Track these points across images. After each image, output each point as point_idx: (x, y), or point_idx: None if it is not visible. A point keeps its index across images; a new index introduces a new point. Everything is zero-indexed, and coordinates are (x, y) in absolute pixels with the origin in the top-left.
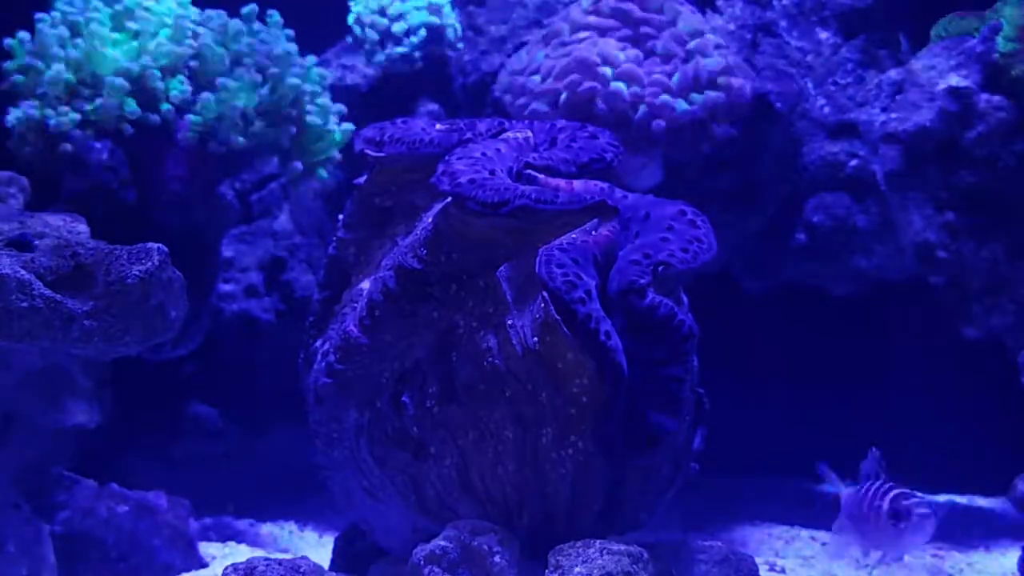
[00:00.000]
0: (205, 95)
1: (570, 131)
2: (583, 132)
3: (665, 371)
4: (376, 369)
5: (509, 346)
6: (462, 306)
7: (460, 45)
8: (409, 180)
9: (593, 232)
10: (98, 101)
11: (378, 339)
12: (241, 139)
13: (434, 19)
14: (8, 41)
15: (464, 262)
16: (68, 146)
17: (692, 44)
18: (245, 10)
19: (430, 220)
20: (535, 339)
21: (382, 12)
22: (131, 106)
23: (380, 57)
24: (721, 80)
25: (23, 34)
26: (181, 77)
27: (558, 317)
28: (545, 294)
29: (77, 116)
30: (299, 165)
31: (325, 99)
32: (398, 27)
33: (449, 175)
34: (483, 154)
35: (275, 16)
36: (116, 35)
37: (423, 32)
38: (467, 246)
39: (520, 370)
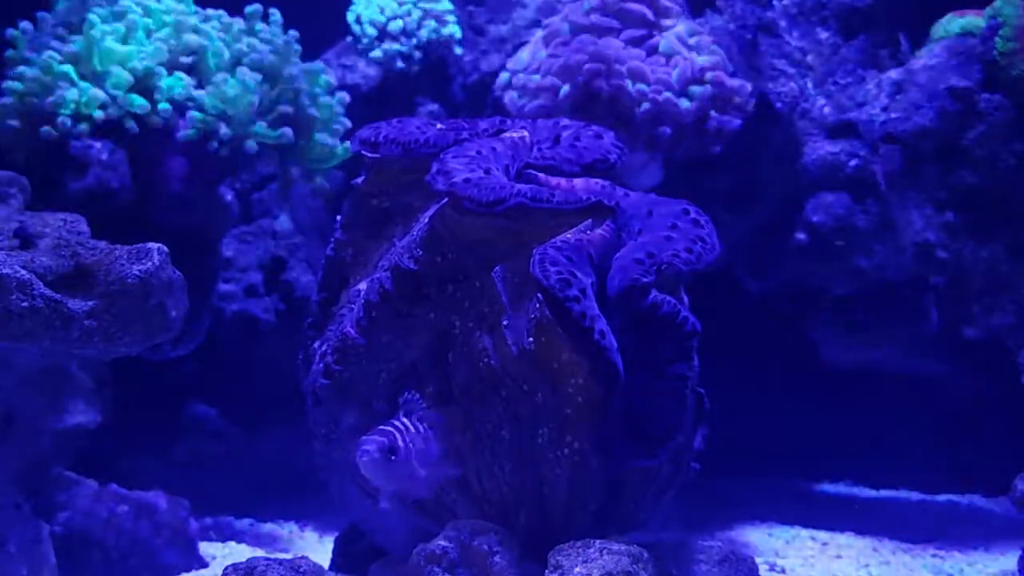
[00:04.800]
0: (208, 88)
1: (574, 129)
2: (587, 131)
3: (668, 370)
4: (373, 370)
5: (505, 346)
6: (458, 307)
7: (459, 49)
8: (406, 181)
9: (588, 231)
10: (95, 91)
11: (375, 340)
12: (247, 140)
13: (434, 23)
14: (10, 32)
15: (460, 262)
16: (49, 129)
17: (692, 41)
18: (249, 9)
19: (426, 220)
20: (530, 339)
21: (381, 11)
22: (140, 100)
23: (377, 53)
24: (710, 75)
25: (26, 24)
26: (180, 74)
27: (552, 316)
28: (540, 294)
29: (76, 92)
30: (295, 171)
31: (329, 99)
32: (394, 25)
33: (444, 174)
34: (478, 152)
35: (276, 15)
36: (116, 32)
37: (426, 32)
38: (463, 246)
39: (516, 370)
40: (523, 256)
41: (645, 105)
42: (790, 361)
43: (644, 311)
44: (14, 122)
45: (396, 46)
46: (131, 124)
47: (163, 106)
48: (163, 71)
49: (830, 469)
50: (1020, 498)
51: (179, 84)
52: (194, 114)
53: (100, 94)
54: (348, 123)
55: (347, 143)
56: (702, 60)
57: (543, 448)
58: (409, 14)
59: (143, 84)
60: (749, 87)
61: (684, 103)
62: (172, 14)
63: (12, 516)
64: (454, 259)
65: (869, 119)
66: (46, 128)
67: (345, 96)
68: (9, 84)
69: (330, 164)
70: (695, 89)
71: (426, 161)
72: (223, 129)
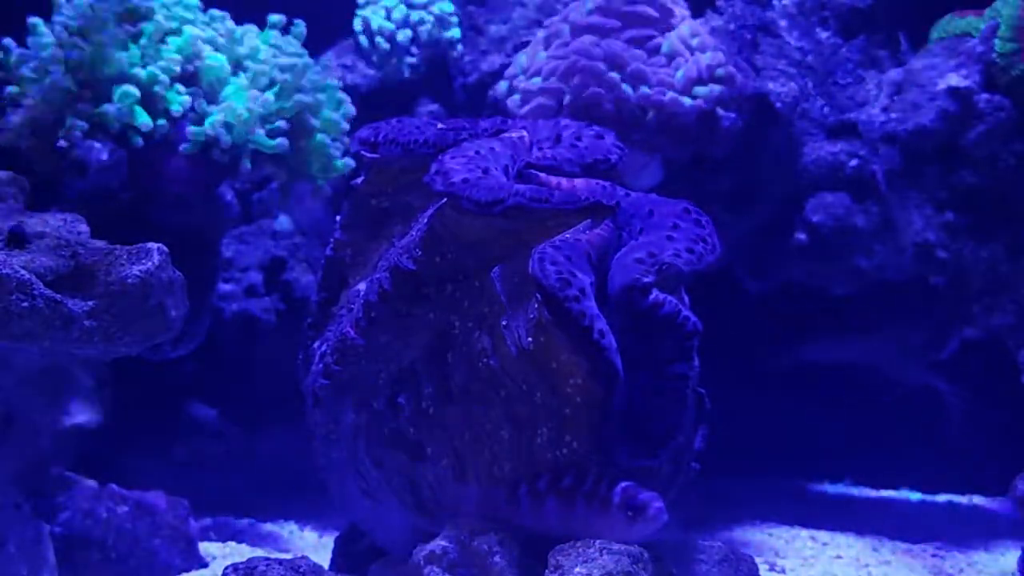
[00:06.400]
0: (209, 109)
1: (575, 128)
2: (589, 131)
3: (668, 370)
4: (372, 370)
5: (504, 347)
6: (458, 307)
7: (459, 47)
8: (406, 181)
9: (587, 231)
10: (107, 107)
11: (374, 340)
12: (244, 158)
13: (437, 25)
14: (6, 40)
15: (459, 263)
16: (75, 152)
17: (694, 42)
18: (272, 18)
19: (425, 221)
20: (529, 339)
21: (388, 17)
22: (143, 118)
23: (389, 69)
24: (720, 72)
25: (11, 42)
26: (178, 86)
27: (551, 316)
28: (539, 294)
29: (85, 125)
30: (287, 177)
31: (335, 116)
32: (403, 35)
33: (442, 174)
34: (477, 153)
35: (300, 27)
36: (120, 38)
37: (428, 30)
38: (462, 246)
39: (515, 371)
40: (522, 256)
41: (651, 113)
42: (790, 362)
43: (645, 311)
44: (27, 142)
45: (410, 60)
46: (137, 140)
47: (161, 121)
48: (166, 79)
49: (830, 469)
50: (1020, 498)
51: (177, 99)
52: (193, 128)
53: (111, 108)
54: (347, 126)
55: (347, 159)
56: (707, 59)
57: (542, 448)
58: (422, 22)
59: (145, 90)
60: (752, 83)
61: (687, 101)
62: (177, 21)
63: (12, 516)
64: (453, 259)
65: (869, 119)
66: (73, 151)
67: (351, 110)
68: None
69: (328, 175)
70: (701, 89)
71: (425, 161)
72: (224, 138)
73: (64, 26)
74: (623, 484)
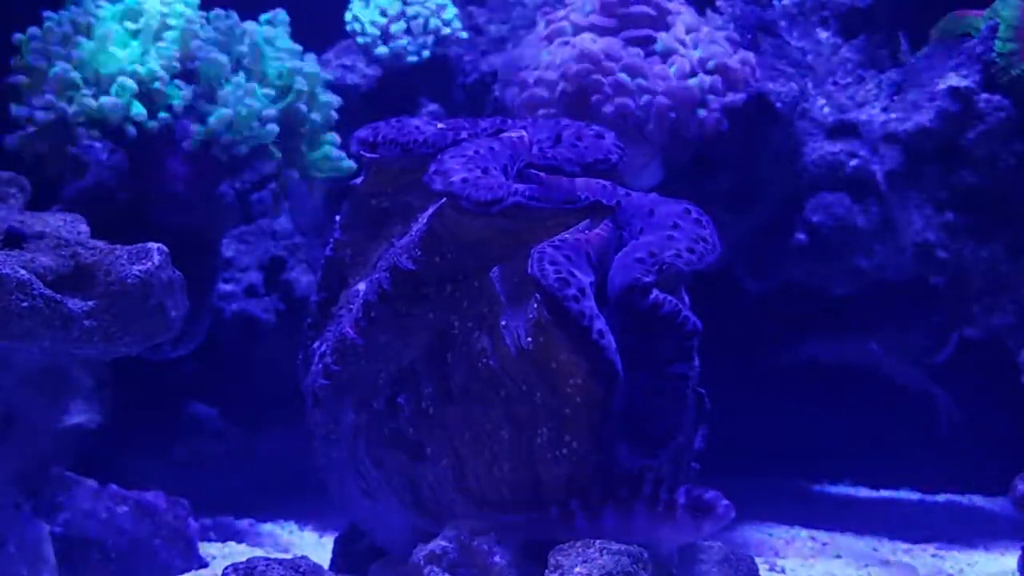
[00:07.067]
0: (219, 111)
1: (575, 128)
2: (589, 131)
3: (668, 370)
4: (372, 370)
5: (503, 347)
6: (457, 307)
7: (464, 34)
8: (405, 181)
9: (587, 231)
10: (104, 99)
11: (374, 340)
12: (244, 148)
13: (438, 21)
14: (18, 36)
15: (459, 262)
16: (75, 151)
17: (688, 39)
18: (264, 16)
19: (425, 221)
20: (528, 339)
21: (383, 12)
22: (138, 109)
23: (383, 49)
24: (712, 64)
25: (33, 29)
26: (178, 82)
27: (550, 316)
28: (538, 294)
29: (94, 102)
30: (294, 174)
31: (329, 98)
32: (396, 27)
33: (441, 174)
34: (476, 152)
35: (281, 14)
36: (120, 35)
37: (430, 25)
38: (462, 246)
39: (514, 371)
40: (522, 256)
41: (645, 98)
42: (790, 361)
43: (645, 311)
44: (42, 146)
45: (404, 42)
46: (131, 129)
47: (163, 114)
48: (166, 76)
49: (830, 469)
50: (1020, 498)
51: (177, 94)
52: (196, 127)
53: (116, 103)
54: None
55: (351, 162)
56: (698, 54)
57: (542, 448)
58: (417, 16)
59: (144, 87)
60: (752, 57)
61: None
62: (176, 17)
63: (12, 516)
64: (453, 259)
65: (869, 119)
66: (74, 149)
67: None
68: (32, 113)
69: (332, 172)
70: (692, 81)
71: (425, 161)
72: (225, 136)
73: (70, 21)
74: (684, 486)
